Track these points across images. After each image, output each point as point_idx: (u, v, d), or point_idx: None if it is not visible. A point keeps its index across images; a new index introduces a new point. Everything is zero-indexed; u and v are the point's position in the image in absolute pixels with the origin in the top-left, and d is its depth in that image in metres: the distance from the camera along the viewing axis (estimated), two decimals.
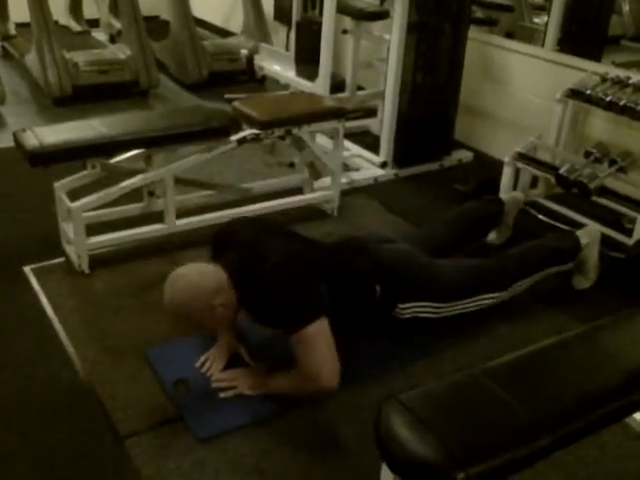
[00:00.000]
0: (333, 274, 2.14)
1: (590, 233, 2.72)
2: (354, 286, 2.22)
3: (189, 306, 1.94)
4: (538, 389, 1.50)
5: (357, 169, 3.79)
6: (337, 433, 1.98)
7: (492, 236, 2.99)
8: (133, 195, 2.86)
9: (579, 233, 2.72)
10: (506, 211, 2.97)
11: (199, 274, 1.99)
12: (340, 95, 4.14)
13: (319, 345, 1.91)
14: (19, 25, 5.73)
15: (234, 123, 2.96)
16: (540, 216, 3.28)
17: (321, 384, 1.92)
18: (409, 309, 2.27)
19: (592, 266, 2.72)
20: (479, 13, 4.41)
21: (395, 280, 2.26)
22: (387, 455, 1.34)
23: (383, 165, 3.76)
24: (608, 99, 3.08)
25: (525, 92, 3.84)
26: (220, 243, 2.21)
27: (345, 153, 3.56)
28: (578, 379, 1.54)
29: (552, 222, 3.21)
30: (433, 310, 2.30)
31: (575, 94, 3.26)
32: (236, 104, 3.07)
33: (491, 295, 2.42)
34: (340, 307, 2.09)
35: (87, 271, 2.72)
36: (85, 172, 2.79)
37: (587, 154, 3.15)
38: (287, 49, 4.95)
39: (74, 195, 2.76)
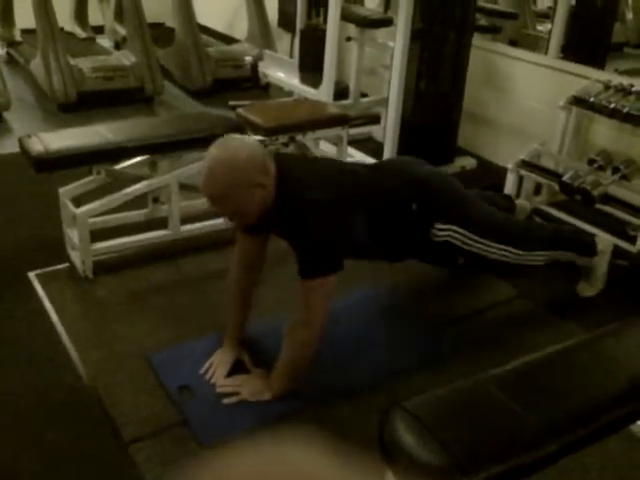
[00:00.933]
0: (370, 201, 2.16)
1: (604, 242, 2.74)
2: (390, 205, 2.23)
3: (235, 169, 1.86)
4: (543, 396, 1.50)
5: None
6: (341, 439, 1.98)
7: None
8: (137, 201, 2.87)
9: (595, 239, 2.75)
10: (515, 215, 2.98)
11: (259, 145, 1.95)
12: (344, 102, 4.15)
13: (323, 293, 1.96)
14: (24, 31, 5.76)
15: (238, 129, 2.97)
16: (544, 223, 3.28)
17: (314, 329, 1.97)
18: (444, 231, 2.28)
19: (600, 275, 2.72)
20: (483, 21, 4.43)
21: (432, 198, 2.29)
22: (391, 461, 1.34)
23: None
24: (611, 106, 3.09)
25: (529, 99, 3.85)
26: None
27: (348, 160, 3.57)
28: (583, 386, 1.54)
29: None
30: (463, 238, 2.31)
31: (578, 101, 3.26)
32: (240, 111, 3.09)
33: (513, 250, 2.43)
34: (378, 228, 2.13)
35: (91, 277, 2.72)
36: (90, 178, 2.80)
37: (590, 161, 3.15)
38: (291, 56, 4.96)
39: (79, 201, 2.77)
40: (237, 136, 1.99)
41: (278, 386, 2.07)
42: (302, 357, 2.04)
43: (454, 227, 2.29)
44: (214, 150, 1.91)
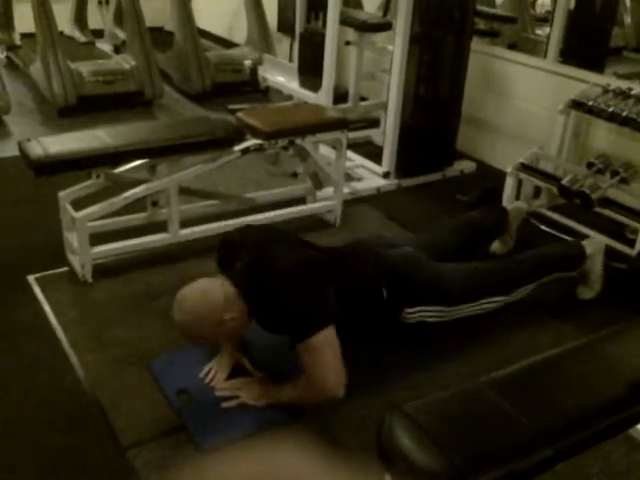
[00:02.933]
0: (341, 279, 2.14)
1: (595, 244, 2.74)
2: (361, 290, 2.22)
3: (200, 326, 1.94)
4: (541, 400, 1.50)
5: (360, 179, 3.80)
6: (340, 443, 1.98)
7: (495, 246, 2.99)
8: (137, 205, 2.87)
9: (584, 243, 2.73)
10: (510, 221, 2.98)
11: (206, 292, 1.98)
12: (343, 106, 4.16)
13: (326, 354, 1.93)
14: (24, 35, 5.77)
15: (238, 133, 2.97)
16: (543, 227, 3.28)
17: (327, 393, 1.94)
18: (416, 313, 2.27)
19: (597, 277, 2.72)
20: (482, 25, 4.44)
21: (402, 283, 2.26)
22: (389, 465, 1.34)
23: (386, 175, 3.77)
24: (610, 110, 3.09)
25: (527, 103, 3.86)
26: (227, 251, 2.21)
27: (348, 163, 3.57)
28: (581, 390, 1.54)
29: (555, 233, 3.22)
30: (439, 314, 2.30)
31: (577, 105, 3.27)
32: (240, 115, 3.09)
33: (495, 299, 2.42)
34: (347, 312, 2.09)
35: (90, 280, 2.72)
36: (89, 182, 2.80)
37: (589, 165, 3.16)
38: (290, 60, 4.97)
39: (78, 205, 2.77)
40: (193, 286, 1.99)
41: (278, 401, 2.07)
42: (312, 403, 2.05)
43: (425, 307, 2.27)
44: (176, 315, 1.96)
